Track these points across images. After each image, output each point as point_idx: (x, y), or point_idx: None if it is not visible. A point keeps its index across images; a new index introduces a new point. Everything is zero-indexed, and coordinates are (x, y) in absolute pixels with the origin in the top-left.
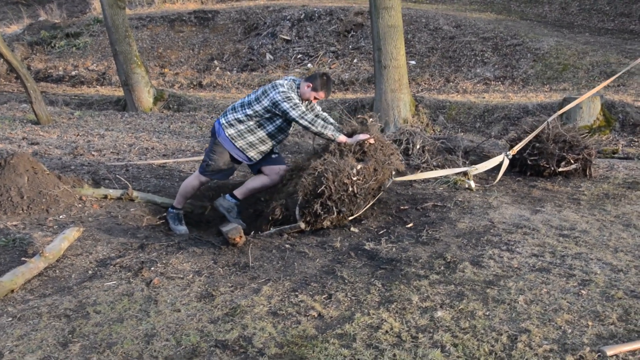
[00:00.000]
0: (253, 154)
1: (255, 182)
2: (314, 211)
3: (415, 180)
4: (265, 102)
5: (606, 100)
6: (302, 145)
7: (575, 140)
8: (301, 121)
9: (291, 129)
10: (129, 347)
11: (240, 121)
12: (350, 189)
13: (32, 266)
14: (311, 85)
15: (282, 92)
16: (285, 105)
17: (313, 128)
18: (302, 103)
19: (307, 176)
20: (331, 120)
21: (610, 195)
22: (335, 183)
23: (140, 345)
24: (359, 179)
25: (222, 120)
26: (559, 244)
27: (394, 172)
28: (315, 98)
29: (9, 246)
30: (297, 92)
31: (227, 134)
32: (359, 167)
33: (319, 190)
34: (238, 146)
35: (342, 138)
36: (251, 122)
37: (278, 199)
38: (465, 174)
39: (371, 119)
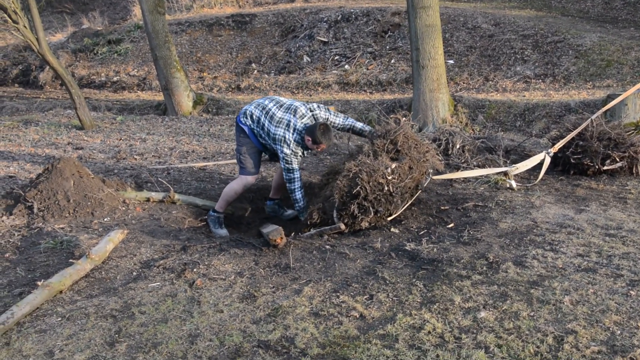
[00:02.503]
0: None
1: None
2: (351, 212)
3: (455, 180)
4: (270, 142)
5: None
6: (340, 147)
7: (621, 137)
8: (289, 185)
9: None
10: (174, 347)
11: (253, 120)
12: (386, 188)
13: (79, 268)
14: (310, 139)
15: (285, 153)
16: (284, 165)
17: (291, 187)
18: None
19: (342, 178)
20: (356, 124)
21: None
22: (370, 183)
23: (185, 345)
24: (394, 178)
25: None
26: (605, 243)
27: (430, 171)
28: (317, 148)
29: (57, 248)
30: (301, 142)
31: (244, 122)
32: (393, 166)
33: (355, 191)
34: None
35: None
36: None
37: (315, 203)
38: (505, 173)
39: (404, 118)
